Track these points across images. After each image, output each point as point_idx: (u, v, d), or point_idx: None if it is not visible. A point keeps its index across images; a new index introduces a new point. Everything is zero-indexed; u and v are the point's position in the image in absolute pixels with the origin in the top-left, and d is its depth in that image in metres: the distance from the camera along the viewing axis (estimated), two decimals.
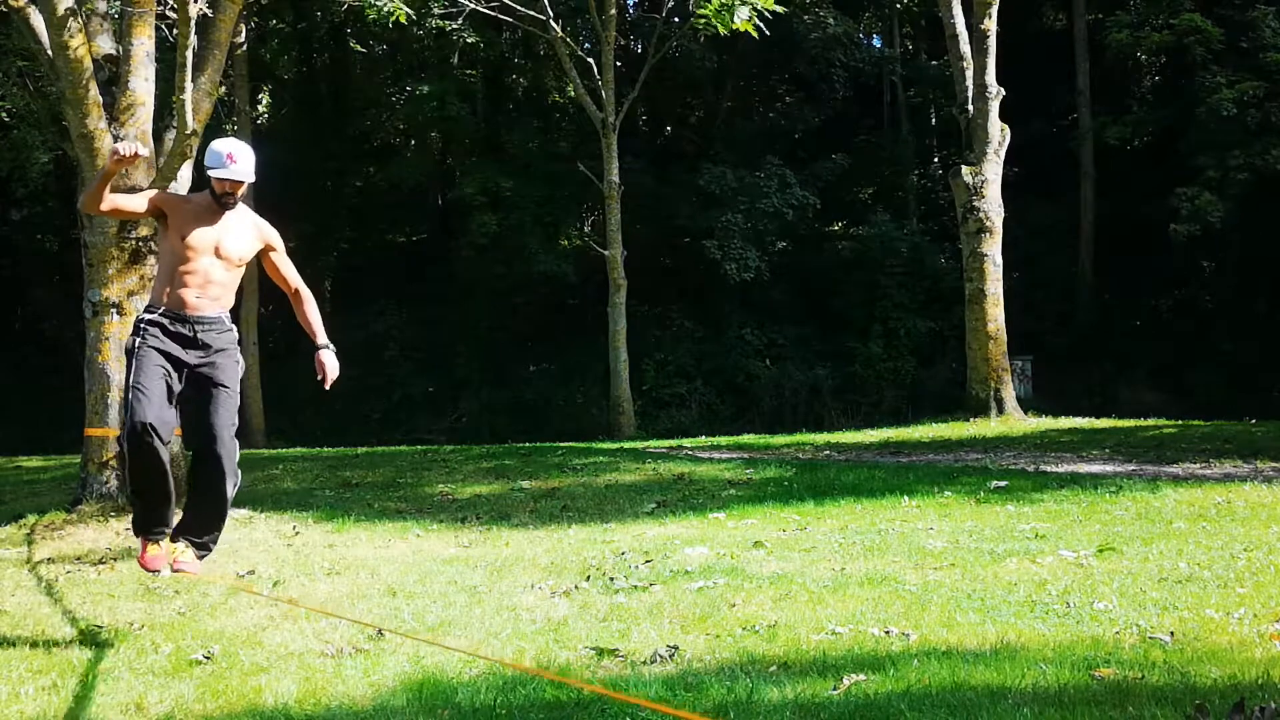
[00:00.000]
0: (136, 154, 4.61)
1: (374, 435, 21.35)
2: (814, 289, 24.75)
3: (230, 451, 4.74)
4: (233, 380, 4.85)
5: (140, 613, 5.29)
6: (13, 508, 9.07)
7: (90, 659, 4.43)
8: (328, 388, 5.08)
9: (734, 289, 23.83)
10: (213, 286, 4.84)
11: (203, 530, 4.88)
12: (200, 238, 4.82)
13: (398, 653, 4.36)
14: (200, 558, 4.87)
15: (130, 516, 7.88)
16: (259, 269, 5.42)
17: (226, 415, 4.77)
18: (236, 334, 4.99)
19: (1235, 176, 20.85)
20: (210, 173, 4.83)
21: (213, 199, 4.90)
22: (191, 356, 4.76)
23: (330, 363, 5.07)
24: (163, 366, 4.71)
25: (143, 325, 4.78)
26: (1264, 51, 21.40)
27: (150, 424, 4.57)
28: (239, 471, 4.84)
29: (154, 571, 4.92)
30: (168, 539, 4.88)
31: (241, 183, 4.89)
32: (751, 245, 22.97)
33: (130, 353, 4.79)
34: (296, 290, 5.16)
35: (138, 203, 4.97)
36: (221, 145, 4.88)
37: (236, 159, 4.84)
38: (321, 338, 5.12)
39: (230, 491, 4.78)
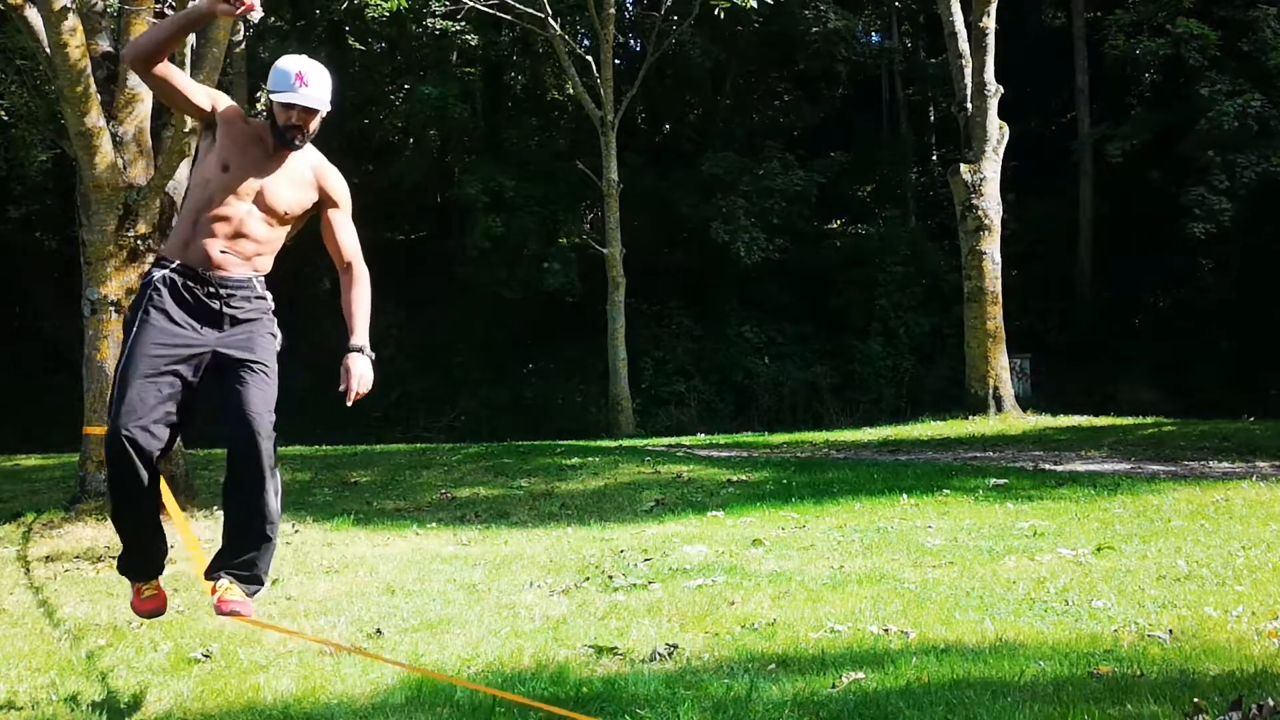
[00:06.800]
0: (252, 4, 3.53)
1: (373, 434, 21.33)
2: (813, 287, 24.74)
3: (270, 447, 3.71)
4: (268, 357, 3.80)
5: None
6: (11, 506, 9.07)
7: (88, 657, 4.42)
8: (349, 403, 3.86)
9: (733, 286, 23.82)
10: (245, 242, 3.77)
11: (247, 556, 3.75)
12: (243, 176, 3.74)
13: (396, 651, 4.36)
14: (252, 593, 3.76)
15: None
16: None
17: (262, 399, 3.71)
18: (271, 303, 3.89)
19: (1241, 178, 20.86)
20: (274, 97, 3.71)
21: (272, 132, 3.77)
22: (210, 336, 3.70)
23: (359, 370, 3.83)
24: (167, 357, 3.65)
25: (152, 286, 3.72)
26: (1263, 55, 21.38)
27: (131, 436, 3.56)
28: (279, 474, 3.83)
29: (149, 615, 4.05)
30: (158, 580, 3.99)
31: (314, 113, 3.75)
32: (758, 228, 22.94)
33: (129, 328, 3.71)
34: (350, 265, 3.97)
35: (195, 91, 3.81)
36: (290, 63, 3.73)
37: (309, 81, 3.69)
38: (359, 335, 3.88)
39: (274, 501, 3.73)
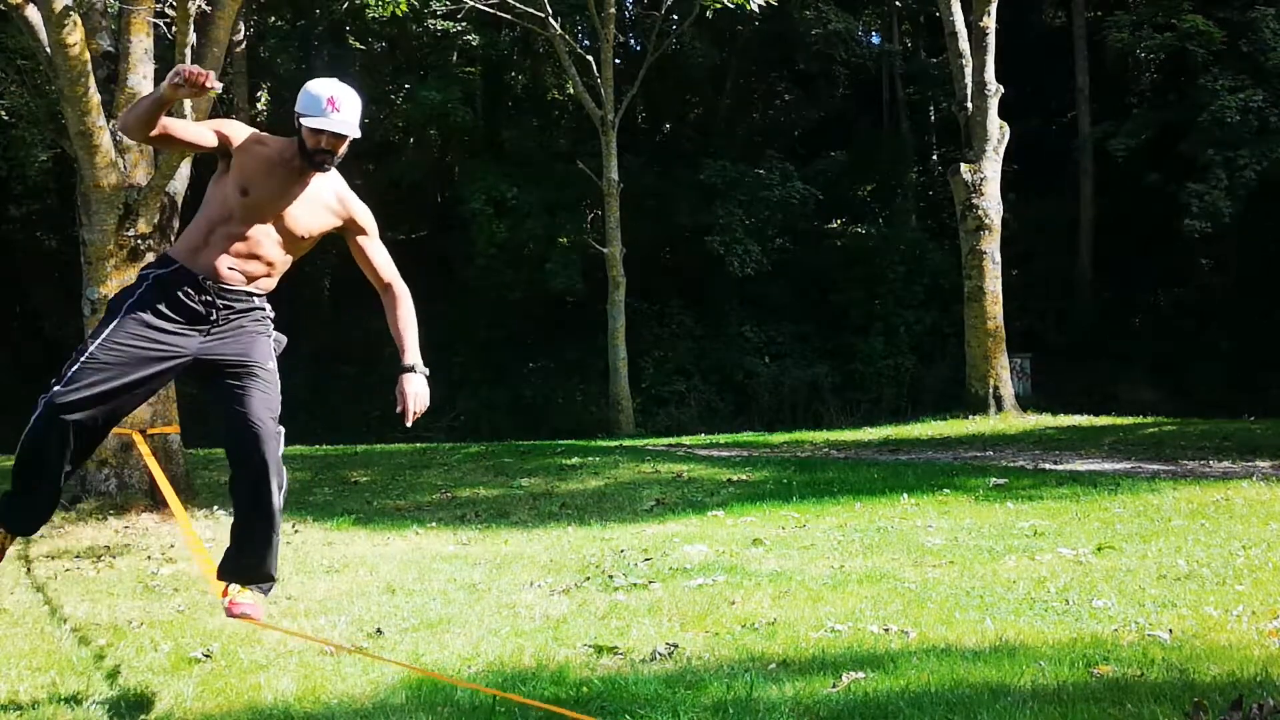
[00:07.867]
0: (206, 82, 3.43)
1: (372, 433, 21.34)
2: (813, 286, 24.75)
3: (274, 447, 3.70)
4: (265, 357, 3.76)
5: (139, 610, 5.29)
6: None
7: (89, 657, 4.42)
8: (408, 423, 3.89)
9: (734, 286, 23.82)
10: (256, 263, 3.74)
11: (255, 561, 3.79)
12: (265, 197, 3.69)
13: (397, 650, 4.36)
14: (266, 590, 3.87)
15: (124, 515, 7.92)
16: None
17: (263, 401, 3.70)
18: (270, 310, 3.87)
19: (1240, 176, 20.88)
20: (304, 121, 3.66)
21: (300, 155, 3.72)
22: (194, 342, 3.66)
23: (414, 389, 3.86)
24: (141, 355, 3.60)
25: (149, 281, 3.69)
26: (1264, 55, 21.40)
27: (77, 420, 3.53)
28: (285, 471, 3.82)
29: None
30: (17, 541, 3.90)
31: (343, 139, 3.71)
32: (753, 240, 23.00)
33: (113, 313, 3.65)
34: (389, 285, 3.99)
35: (201, 133, 3.70)
36: (320, 87, 3.69)
37: (340, 106, 3.65)
38: (410, 354, 3.90)
39: (278, 499, 3.73)
